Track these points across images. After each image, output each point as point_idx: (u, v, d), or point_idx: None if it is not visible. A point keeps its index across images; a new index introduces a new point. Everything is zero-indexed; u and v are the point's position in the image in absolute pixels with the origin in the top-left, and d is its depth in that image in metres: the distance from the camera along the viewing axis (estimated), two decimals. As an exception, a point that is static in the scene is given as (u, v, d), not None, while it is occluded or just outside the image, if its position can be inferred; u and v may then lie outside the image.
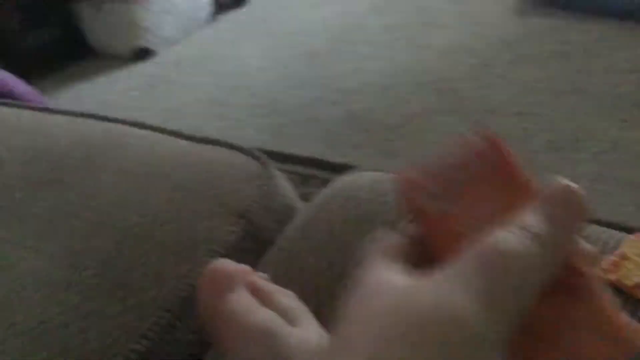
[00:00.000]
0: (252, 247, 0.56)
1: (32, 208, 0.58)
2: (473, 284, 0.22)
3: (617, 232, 0.46)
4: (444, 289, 0.22)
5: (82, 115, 0.73)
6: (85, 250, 0.52)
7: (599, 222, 0.47)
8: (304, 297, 0.46)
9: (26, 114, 0.76)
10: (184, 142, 0.65)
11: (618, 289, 0.41)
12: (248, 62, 2.20)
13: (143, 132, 0.68)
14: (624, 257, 0.42)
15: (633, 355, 0.23)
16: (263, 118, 1.85)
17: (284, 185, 0.63)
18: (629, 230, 0.46)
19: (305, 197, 0.63)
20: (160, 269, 0.50)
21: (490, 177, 0.26)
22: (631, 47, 1.90)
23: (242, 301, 0.35)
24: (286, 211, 0.61)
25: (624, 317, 0.24)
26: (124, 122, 0.71)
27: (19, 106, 0.80)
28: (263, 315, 0.34)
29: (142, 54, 2.31)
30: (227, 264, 0.37)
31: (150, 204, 0.56)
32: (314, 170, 1.53)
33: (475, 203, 0.26)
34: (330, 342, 0.24)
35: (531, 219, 0.24)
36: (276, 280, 0.48)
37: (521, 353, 0.23)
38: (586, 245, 0.26)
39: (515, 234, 0.23)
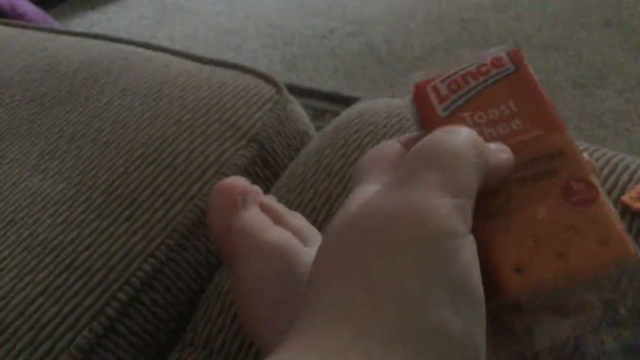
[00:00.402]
0: (263, 172, 0.55)
1: (37, 128, 0.57)
2: (430, 179, 0.21)
3: (646, 160, 0.44)
4: (402, 190, 0.22)
5: (89, 35, 0.71)
6: (92, 170, 0.51)
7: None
8: (317, 221, 0.45)
9: (33, 34, 0.73)
10: (194, 64, 0.62)
11: (645, 218, 0.39)
12: (263, -10, 2.13)
13: (152, 53, 0.65)
14: (653, 186, 0.40)
15: (626, 263, 0.22)
16: (277, 49, 1.80)
17: (298, 111, 0.61)
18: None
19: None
20: (169, 190, 0.49)
21: (505, 86, 0.25)
22: (667, -21, 1.79)
23: (256, 218, 0.34)
24: (299, 137, 0.59)
25: (623, 227, 0.23)
26: (132, 42, 0.68)
27: (25, 26, 0.77)
28: (278, 233, 0.33)
29: (155, -19, 2.24)
30: (240, 181, 0.35)
31: (157, 125, 0.54)
32: (330, 105, 1.50)
33: (486, 109, 0.25)
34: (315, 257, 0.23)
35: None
36: (289, 205, 0.46)
37: (513, 254, 0.22)
38: (586, 157, 0.25)
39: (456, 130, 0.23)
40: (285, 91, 0.59)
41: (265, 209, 0.36)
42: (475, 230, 0.22)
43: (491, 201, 0.23)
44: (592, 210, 0.23)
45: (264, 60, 1.73)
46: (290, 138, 0.58)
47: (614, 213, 0.23)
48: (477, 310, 0.20)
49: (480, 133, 0.24)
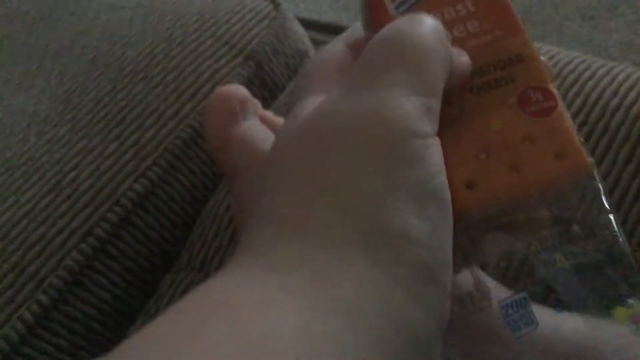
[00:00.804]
0: (261, 92, 0.52)
1: (20, 45, 0.53)
2: (394, 75, 0.19)
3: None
4: (361, 91, 0.20)
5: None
6: (78, 88, 0.48)
7: None
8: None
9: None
10: (185, -21, 0.58)
11: (667, 134, 0.37)
12: None
13: (140, -33, 0.61)
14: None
15: (581, 177, 0.21)
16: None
17: (297, 29, 0.57)
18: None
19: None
20: (160, 109, 0.46)
21: None
22: None
23: (256, 128, 0.32)
24: (299, 57, 0.56)
25: (579, 138, 0.21)
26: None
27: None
28: None
29: None
30: (239, 89, 0.33)
31: (147, 41, 0.50)
32: (329, 36, 1.45)
33: (441, 7, 0.23)
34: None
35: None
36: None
37: (464, 168, 0.21)
38: (544, 61, 0.23)
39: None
40: (283, 7, 0.55)
41: (265, 121, 0.33)
42: None
43: (445, 110, 0.21)
44: (549, 121, 0.21)
45: (260, -9, 1.67)
46: (289, 57, 0.54)
47: (571, 124, 0.21)
48: (444, 214, 0.19)
49: None
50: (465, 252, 0.22)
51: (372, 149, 0.19)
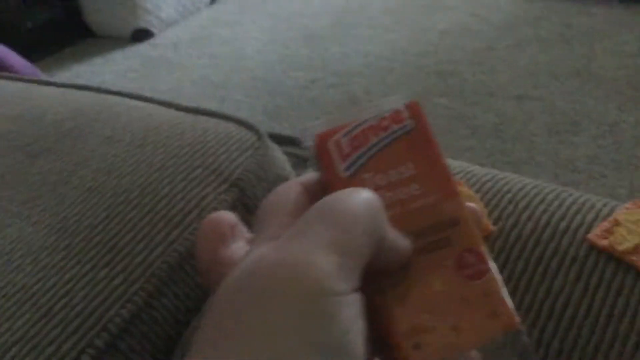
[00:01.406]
0: (244, 216, 0.56)
1: (20, 176, 0.58)
2: (319, 235, 0.21)
3: (610, 200, 0.46)
4: (289, 245, 0.21)
5: (75, 86, 0.73)
6: (74, 216, 0.52)
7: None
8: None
9: (20, 85, 0.75)
10: (178, 113, 0.64)
11: (610, 255, 0.41)
12: (247, 43, 2.19)
13: (136, 102, 0.67)
14: (617, 223, 0.42)
15: (511, 333, 0.24)
16: (261, 100, 1.84)
17: (279, 157, 0.63)
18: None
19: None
20: (150, 235, 0.50)
21: (404, 145, 0.26)
22: (634, 31, 1.88)
23: (244, 250, 0.34)
24: (280, 181, 0.60)
25: (508, 297, 0.24)
26: (117, 93, 0.70)
27: (12, 78, 0.79)
28: None
29: (141, 35, 2.30)
30: (229, 214, 0.36)
31: (141, 171, 0.55)
32: (312, 152, 1.52)
33: (386, 170, 0.25)
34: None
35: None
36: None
37: (411, 330, 0.24)
38: (473, 207, 0.26)
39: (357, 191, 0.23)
40: (266, 137, 0.61)
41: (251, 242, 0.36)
42: (375, 303, 0.23)
43: (390, 272, 0.24)
44: (482, 284, 0.24)
45: (247, 111, 1.77)
46: (271, 183, 0.59)
47: (501, 284, 0.24)
48: None
49: (381, 197, 0.24)
50: None
51: (286, 306, 0.20)
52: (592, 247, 0.41)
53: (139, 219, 0.51)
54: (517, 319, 0.24)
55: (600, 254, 0.41)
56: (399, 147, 0.26)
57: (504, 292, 0.24)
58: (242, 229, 0.37)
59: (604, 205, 0.45)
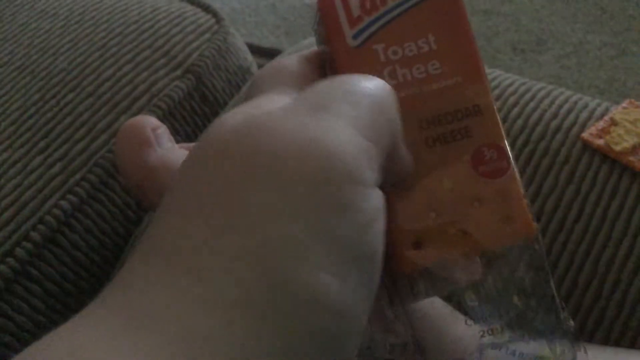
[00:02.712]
0: (201, 107, 0.50)
1: (-63, 49, 0.49)
2: (345, 113, 0.17)
3: (603, 100, 0.43)
4: (305, 114, 0.17)
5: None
6: (2, 96, 0.44)
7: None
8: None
9: None
10: (123, -10, 0.56)
11: (605, 155, 0.38)
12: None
13: (74, -25, 0.58)
14: (614, 123, 0.38)
15: (526, 242, 0.21)
16: (215, 3, 1.71)
17: (240, 45, 0.56)
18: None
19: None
20: (91, 121, 0.43)
21: (428, 12, 0.21)
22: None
23: (176, 152, 0.29)
24: (241, 73, 0.54)
25: (527, 202, 0.21)
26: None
27: None
28: None
29: None
30: (149, 118, 0.30)
31: (80, 50, 0.48)
32: (270, 61, 1.45)
33: (402, 41, 0.21)
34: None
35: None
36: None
37: (413, 227, 0.20)
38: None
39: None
40: (225, 22, 0.54)
41: (186, 148, 0.31)
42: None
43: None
44: (499, 184, 0.21)
45: (200, 12, 1.65)
46: (230, 73, 0.53)
47: (520, 186, 0.21)
48: (368, 280, 0.16)
49: (393, 74, 0.21)
50: (403, 298, 0.21)
51: (297, 186, 0.15)
52: (586, 146, 0.38)
53: (79, 102, 0.44)
54: (536, 226, 0.21)
55: (595, 154, 0.38)
56: (420, 15, 0.21)
57: (523, 195, 0.21)
58: (167, 131, 0.31)
59: (598, 105, 0.41)
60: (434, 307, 0.26)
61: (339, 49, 0.21)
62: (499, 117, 0.21)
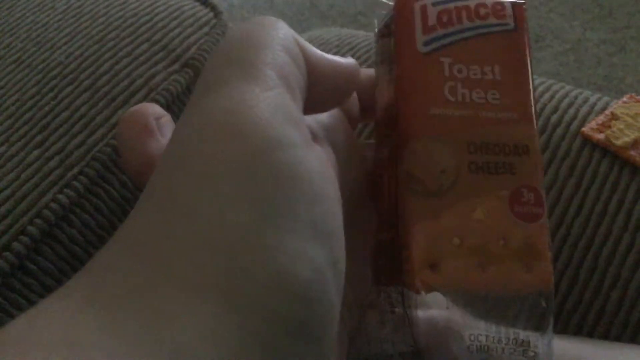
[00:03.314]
0: (198, 101, 0.50)
1: None
2: (228, 73, 0.17)
3: (603, 95, 0.42)
4: (208, 96, 0.16)
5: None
6: (-2, 90, 0.44)
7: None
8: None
9: None
10: (120, -16, 0.55)
11: (605, 149, 0.37)
12: None
13: (72, -31, 0.58)
14: (614, 117, 0.38)
15: (540, 296, 0.20)
16: (214, -4, 1.71)
17: (237, 40, 0.56)
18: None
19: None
20: (89, 115, 0.43)
21: (498, 44, 0.22)
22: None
23: None
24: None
25: (551, 255, 0.21)
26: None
27: None
28: None
29: None
30: (152, 106, 0.30)
31: (77, 43, 0.47)
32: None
33: (469, 62, 0.22)
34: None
35: None
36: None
37: (433, 248, 0.20)
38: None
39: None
40: (224, 16, 0.54)
41: None
42: (406, 203, 0.20)
43: (436, 176, 0.20)
44: (530, 229, 0.20)
45: (198, 8, 1.65)
46: (228, 68, 0.53)
47: (548, 238, 0.21)
48: (329, 256, 0.16)
49: (453, 90, 0.21)
50: (412, 307, 0.21)
51: (229, 165, 0.15)
52: (586, 141, 0.38)
53: (76, 96, 0.44)
54: (552, 282, 0.20)
55: (595, 148, 0.38)
56: (491, 43, 0.22)
57: (549, 247, 0.20)
58: (171, 120, 0.31)
59: (598, 99, 0.41)
60: (442, 319, 0.26)
61: (406, 50, 0.21)
62: (542, 164, 0.22)
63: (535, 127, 0.21)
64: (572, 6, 1.58)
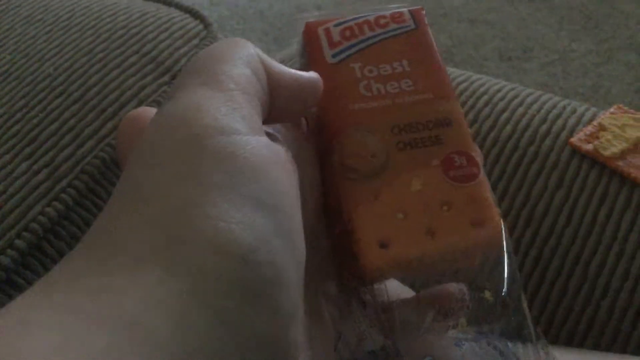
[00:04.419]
0: (188, 113, 0.49)
1: None
2: (189, 81, 0.19)
3: (592, 106, 0.43)
4: (167, 101, 0.19)
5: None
6: (-14, 102, 0.44)
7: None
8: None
9: None
10: (110, -4, 0.55)
11: (593, 160, 0.38)
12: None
13: (61, -19, 0.58)
14: (602, 128, 0.39)
15: (495, 249, 0.21)
16: (203, 10, 1.71)
17: (226, 52, 0.56)
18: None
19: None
20: (78, 127, 0.43)
21: (401, 43, 0.24)
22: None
23: None
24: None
25: (498, 210, 0.21)
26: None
27: None
28: None
29: None
30: (152, 110, 0.30)
31: (66, 56, 0.47)
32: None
33: (378, 63, 0.23)
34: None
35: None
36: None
37: (379, 227, 0.21)
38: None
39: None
40: (214, 28, 0.54)
41: None
42: (346, 191, 0.21)
43: (368, 161, 0.21)
44: (469, 188, 0.21)
45: (188, 20, 1.65)
46: (218, 79, 0.53)
47: (491, 194, 0.21)
48: (277, 226, 0.17)
49: (368, 87, 0.23)
50: (375, 299, 0.21)
51: (177, 155, 0.17)
52: (575, 151, 0.38)
53: (65, 108, 0.44)
54: (506, 233, 0.21)
55: (583, 159, 0.38)
56: (396, 43, 0.24)
57: (494, 202, 0.21)
58: None
59: (586, 110, 0.42)
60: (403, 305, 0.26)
61: (318, 65, 0.23)
62: (469, 131, 0.22)
63: (454, 102, 0.23)
64: (559, 17, 1.59)
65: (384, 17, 0.24)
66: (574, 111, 0.41)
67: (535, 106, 0.42)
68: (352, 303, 0.21)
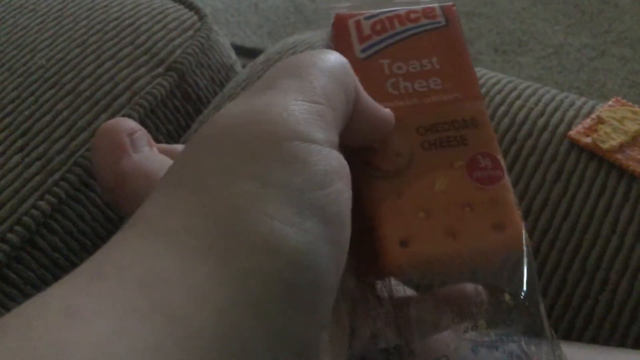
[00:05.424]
0: (184, 105, 0.49)
1: None
2: (286, 85, 0.19)
3: (589, 99, 0.43)
4: (254, 96, 0.19)
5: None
6: (-23, 94, 0.43)
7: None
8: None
9: None
10: (103, -14, 0.55)
11: (592, 153, 0.37)
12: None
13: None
14: (600, 121, 0.38)
15: (516, 253, 0.21)
16: (197, 2, 1.70)
17: (223, 43, 0.55)
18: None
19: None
20: (71, 119, 0.42)
21: (432, 39, 0.24)
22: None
23: (152, 158, 0.28)
24: (224, 71, 0.53)
25: (520, 214, 0.21)
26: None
27: None
28: None
29: None
30: (126, 121, 0.29)
31: (58, 47, 0.46)
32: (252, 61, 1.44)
33: (407, 59, 0.23)
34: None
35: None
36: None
37: (400, 225, 0.21)
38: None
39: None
40: (209, 19, 0.53)
41: (164, 151, 0.30)
42: (369, 189, 0.21)
43: (392, 160, 0.21)
44: (492, 191, 0.21)
45: (182, 12, 1.63)
46: (214, 71, 0.52)
47: (514, 197, 0.21)
48: (329, 232, 0.17)
49: (396, 85, 0.22)
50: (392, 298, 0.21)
51: (250, 150, 0.17)
52: (573, 145, 0.38)
53: (58, 99, 0.43)
54: (526, 237, 0.21)
55: (582, 152, 0.38)
56: (426, 40, 0.23)
57: (516, 206, 0.21)
58: (146, 134, 0.30)
59: (584, 103, 0.41)
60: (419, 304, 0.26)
61: (346, 58, 0.22)
62: (494, 134, 0.22)
63: (481, 103, 0.23)
64: (554, 11, 1.59)
65: (415, 11, 0.24)
66: (572, 104, 0.41)
67: (533, 99, 0.42)
68: (369, 299, 0.21)
